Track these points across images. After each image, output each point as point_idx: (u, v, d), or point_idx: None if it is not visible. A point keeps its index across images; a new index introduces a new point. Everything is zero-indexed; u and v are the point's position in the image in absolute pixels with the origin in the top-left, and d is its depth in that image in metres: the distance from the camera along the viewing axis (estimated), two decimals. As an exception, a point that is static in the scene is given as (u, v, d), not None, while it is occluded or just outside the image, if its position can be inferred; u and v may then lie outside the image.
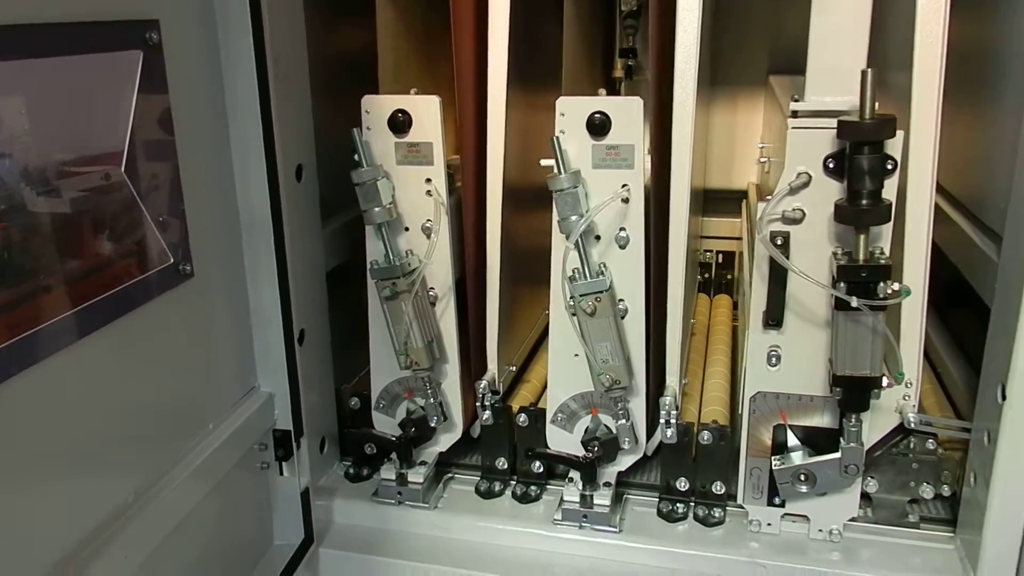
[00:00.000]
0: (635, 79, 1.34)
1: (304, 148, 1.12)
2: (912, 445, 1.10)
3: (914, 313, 1.02)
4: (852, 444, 1.02)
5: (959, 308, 1.27)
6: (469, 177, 1.17)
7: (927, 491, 1.11)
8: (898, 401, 1.07)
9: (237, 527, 1.06)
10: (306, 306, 1.13)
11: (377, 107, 1.10)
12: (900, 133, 0.93)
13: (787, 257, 0.98)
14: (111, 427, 0.81)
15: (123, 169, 0.79)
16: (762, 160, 1.55)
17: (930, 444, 1.10)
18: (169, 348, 0.90)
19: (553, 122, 1.05)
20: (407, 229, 1.14)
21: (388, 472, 1.20)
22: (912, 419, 1.06)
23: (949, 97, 0.97)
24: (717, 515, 1.15)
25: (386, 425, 1.22)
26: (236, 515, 1.05)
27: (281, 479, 1.13)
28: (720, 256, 1.76)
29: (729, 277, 1.78)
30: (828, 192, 0.97)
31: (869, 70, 0.88)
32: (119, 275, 0.80)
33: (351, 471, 1.28)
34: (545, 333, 1.58)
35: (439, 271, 1.14)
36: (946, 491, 1.12)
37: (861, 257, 0.94)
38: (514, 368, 1.35)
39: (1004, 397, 0.95)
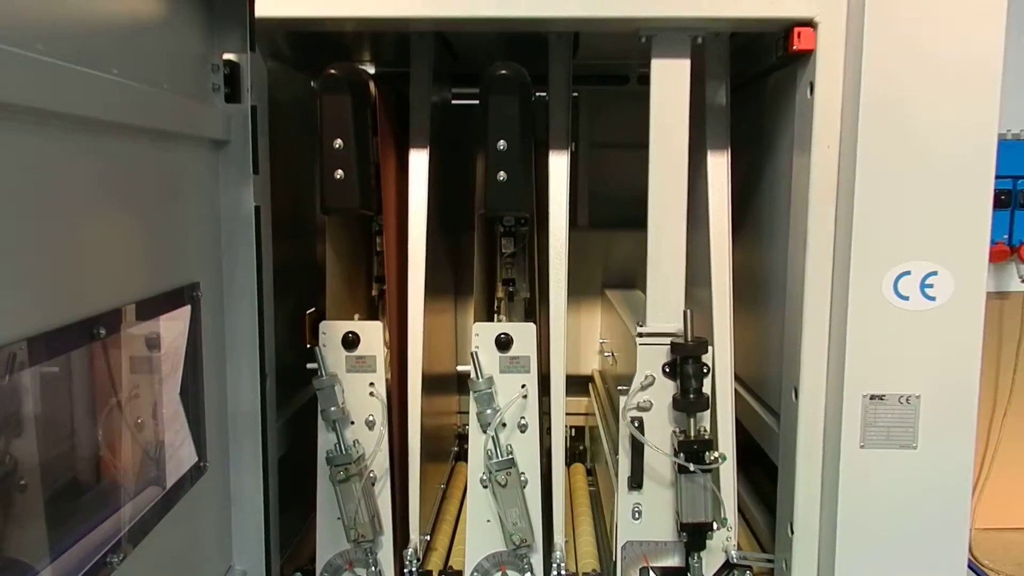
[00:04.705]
0: (514, 300, 1.76)
1: (270, 358, 1.41)
2: (736, 576, 1.49)
3: (727, 473, 1.44)
4: (699, 577, 1.39)
5: (758, 466, 1.71)
6: (394, 376, 1.49)
7: (751, 613, 1.49)
8: (723, 542, 1.45)
9: None
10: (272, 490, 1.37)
11: (332, 330, 1.42)
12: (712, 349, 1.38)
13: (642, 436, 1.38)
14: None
15: (178, 393, 1.06)
16: (606, 354, 1.98)
17: (748, 575, 1.49)
18: (180, 542, 1.11)
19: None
20: (353, 423, 1.43)
21: (334, 646, 1.42)
22: (734, 555, 1.45)
23: (738, 309, 1.43)
24: (600, 653, 1.46)
25: (327, 597, 1.45)
26: None
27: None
28: (572, 430, 2.16)
29: (581, 448, 2.18)
30: (667, 388, 1.39)
31: (688, 311, 1.33)
32: (161, 482, 1.05)
33: (290, 648, 1.48)
34: (440, 504, 1.88)
35: (379, 456, 1.43)
36: (765, 611, 1.50)
37: (692, 434, 1.35)
38: (428, 537, 1.63)
39: (792, 531, 1.37)
